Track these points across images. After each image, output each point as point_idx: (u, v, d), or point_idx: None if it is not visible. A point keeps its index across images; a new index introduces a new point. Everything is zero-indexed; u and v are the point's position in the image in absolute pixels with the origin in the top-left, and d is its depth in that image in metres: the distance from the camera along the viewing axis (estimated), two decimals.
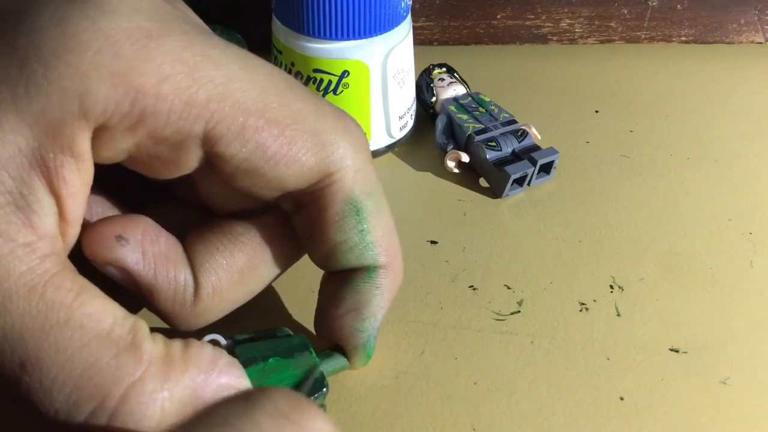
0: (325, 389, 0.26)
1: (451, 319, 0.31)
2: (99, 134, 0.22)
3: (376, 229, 0.26)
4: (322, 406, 0.27)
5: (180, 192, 0.28)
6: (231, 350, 0.26)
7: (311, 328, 0.29)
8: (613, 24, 0.49)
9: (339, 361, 0.28)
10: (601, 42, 0.50)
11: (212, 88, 0.23)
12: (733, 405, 0.28)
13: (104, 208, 0.27)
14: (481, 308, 0.32)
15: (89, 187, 0.23)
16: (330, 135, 0.25)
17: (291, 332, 0.28)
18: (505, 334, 0.31)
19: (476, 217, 0.37)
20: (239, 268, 0.26)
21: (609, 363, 0.30)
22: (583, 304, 0.32)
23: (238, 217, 0.27)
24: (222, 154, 0.24)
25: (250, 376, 0.25)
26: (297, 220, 0.27)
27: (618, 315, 0.32)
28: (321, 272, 0.28)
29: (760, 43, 0.50)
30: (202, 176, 0.26)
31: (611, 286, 0.33)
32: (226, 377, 0.23)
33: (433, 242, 0.35)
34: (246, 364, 0.26)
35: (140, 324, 0.22)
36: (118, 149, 0.23)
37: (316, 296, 0.29)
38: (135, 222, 0.25)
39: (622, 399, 0.29)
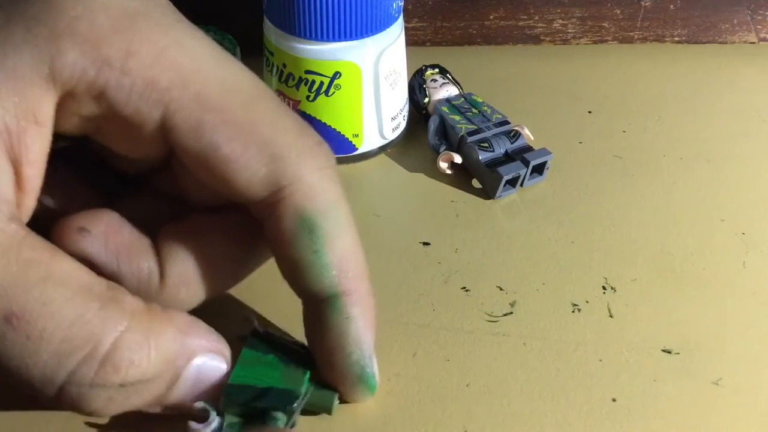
0: (295, 404, 0.26)
1: (443, 320, 0.31)
2: (64, 102, 0.23)
3: (334, 251, 0.25)
4: (293, 424, 0.26)
5: (158, 184, 0.28)
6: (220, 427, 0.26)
7: None
8: (605, 24, 0.49)
9: (325, 395, 0.27)
10: (594, 42, 0.50)
11: (175, 74, 0.23)
12: (726, 406, 0.28)
13: (81, 203, 0.27)
14: (474, 310, 0.32)
15: (46, 158, 0.23)
16: (285, 149, 0.24)
17: (309, 352, 0.27)
18: (497, 335, 0.31)
19: (469, 219, 0.37)
20: (207, 260, 0.26)
21: (601, 364, 0.30)
22: (576, 305, 0.32)
23: (212, 212, 0.27)
24: (179, 144, 0.24)
25: (245, 356, 0.26)
26: (264, 229, 0.26)
27: (610, 316, 0.32)
28: None
29: (753, 43, 0.50)
30: (178, 167, 0.26)
31: (604, 287, 0.33)
32: (205, 339, 0.24)
33: (426, 243, 0.35)
34: (251, 346, 0.27)
35: (115, 284, 0.23)
36: (80, 121, 0.23)
37: None
38: (98, 215, 0.26)
39: (614, 400, 0.28)
